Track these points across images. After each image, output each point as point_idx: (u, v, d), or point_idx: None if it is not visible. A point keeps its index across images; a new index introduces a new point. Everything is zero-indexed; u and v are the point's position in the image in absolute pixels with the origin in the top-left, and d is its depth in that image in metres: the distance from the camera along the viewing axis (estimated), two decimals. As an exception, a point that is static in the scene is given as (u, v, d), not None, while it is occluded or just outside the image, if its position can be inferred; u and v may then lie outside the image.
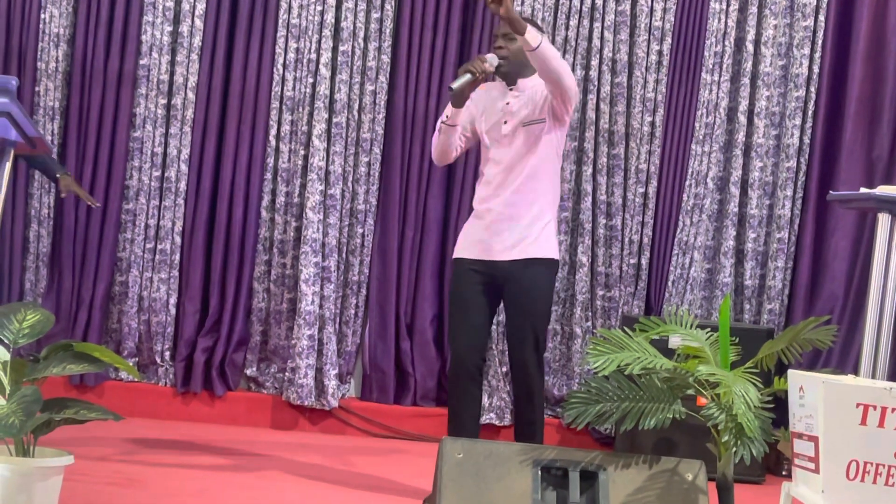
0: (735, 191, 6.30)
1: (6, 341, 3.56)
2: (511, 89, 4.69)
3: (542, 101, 4.60)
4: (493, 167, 4.65)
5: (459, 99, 4.57)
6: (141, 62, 6.13)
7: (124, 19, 6.12)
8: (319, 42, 6.18)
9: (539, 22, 6.20)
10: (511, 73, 4.66)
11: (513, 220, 4.60)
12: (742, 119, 6.29)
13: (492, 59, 4.59)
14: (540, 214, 4.62)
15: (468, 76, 4.50)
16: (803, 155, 6.31)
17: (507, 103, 4.66)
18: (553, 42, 6.22)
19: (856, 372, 4.67)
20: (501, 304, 4.75)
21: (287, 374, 6.14)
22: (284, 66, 6.19)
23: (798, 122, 6.28)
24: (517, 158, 4.60)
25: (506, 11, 4.29)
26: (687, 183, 6.27)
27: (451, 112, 4.61)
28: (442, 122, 4.63)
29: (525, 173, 4.59)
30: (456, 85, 4.49)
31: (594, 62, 6.22)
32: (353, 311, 6.29)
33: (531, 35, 4.37)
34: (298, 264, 6.14)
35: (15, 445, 3.52)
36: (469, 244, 4.71)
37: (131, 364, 6.02)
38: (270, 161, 6.22)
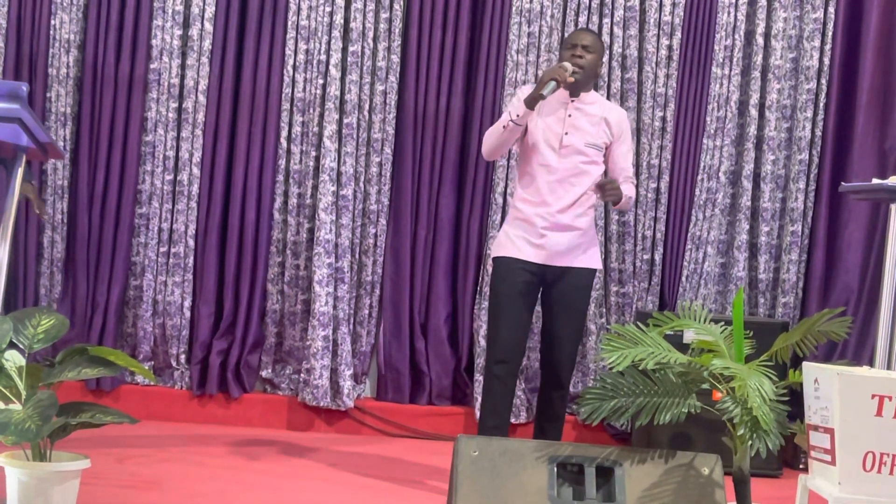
0: (747, 184, 6.29)
1: (21, 346, 3.57)
2: (573, 100, 4.83)
3: (605, 133, 4.81)
4: (545, 173, 4.77)
5: (535, 103, 4.69)
6: (151, 66, 6.14)
7: (134, 24, 6.14)
8: (329, 43, 6.19)
9: (548, 19, 6.20)
10: (578, 84, 4.79)
11: (566, 229, 4.76)
12: (753, 112, 6.28)
13: (567, 67, 4.70)
14: (590, 225, 4.84)
15: (553, 84, 4.64)
16: (815, 147, 6.29)
17: (570, 115, 4.80)
18: (562, 39, 6.23)
19: (871, 363, 4.66)
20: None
21: (302, 375, 6.15)
22: (294, 67, 6.20)
23: (809, 114, 6.27)
24: (573, 172, 4.76)
25: (616, 197, 4.77)
26: (699, 177, 6.26)
27: (523, 112, 4.71)
28: (511, 121, 4.73)
29: (576, 186, 4.76)
30: (546, 91, 4.63)
31: (604, 58, 6.21)
32: (366, 312, 6.29)
33: (625, 201, 4.82)
34: (312, 265, 6.15)
35: (32, 450, 3.53)
36: (517, 245, 4.81)
37: (147, 367, 6.04)
38: (282, 163, 6.23)
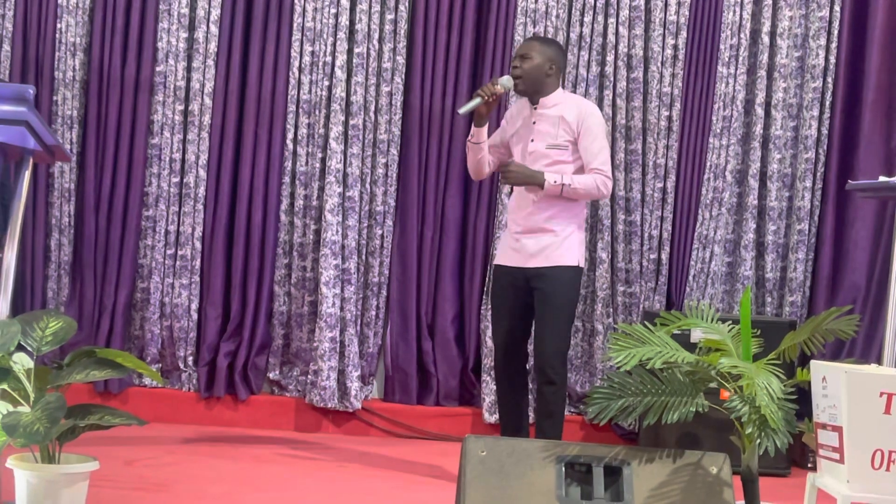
0: (754, 183, 6.28)
1: (30, 348, 3.57)
2: (535, 108, 5.03)
3: (565, 131, 4.95)
4: None
5: (477, 119, 4.94)
6: (157, 69, 6.15)
7: (140, 27, 6.14)
8: (334, 44, 6.19)
9: (554, 19, 6.20)
10: (529, 91, 5.00)
11: (534, 231, 4.96)
12: (759, 111, 6.27)
13: (505, 81, 4.94)
14: (561, 226, 4.95)
15: (477, 100, 4.88)
16: (822, 146, 6.28)
17: (534, 122, 5.01)
18: (567, 39, 6.22)
19: (879, 361, 4.65)
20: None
21: (310, 376, 6.15)
22: (300, 69, 6.20)
23: (816, 112, 6.26)
24: None
25: (515, 181, 4.91)
26: (705, 177, 6.26)
27: (474, 131, 5.00)
28: (468, 141, 5.03)
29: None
30: (462, 110, 4.91)
31: (609, 58, 6.21)
32: (373, 313, 6.30)
33: (550, 186, 4.85)
34: (318, 267, 6.15)
35: (41, 452, 3.54)
36: (503, 251, 5.11)
37: (154, 370, 6.04)
38: (288, 164, 6.24)
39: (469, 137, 5.03)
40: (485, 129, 4.99)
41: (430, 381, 6.28)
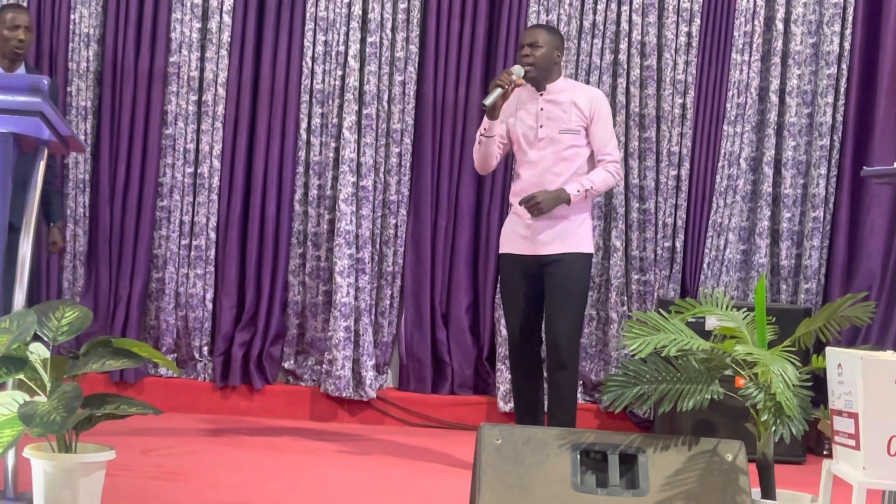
0: (768, 171, 6.27)
1: (46, 339, 3.58)
2: (541, 94, 5.02)
3: (577, 116, 4.96)
4: (529, 168, 4.99)
5: (493, 112, 4.89)
6: (171, 59, 6.16)
7: (153, 17, 6.15)
8: (347, 34, 6.19)
9: (567, 7, 6.19)
10: (538, 78, 4.99)
11: (550, 218, 4.92)
12: (774, 98, 6.25)
13: (518, 70, 4.91)
14: (575, 212, 4.96)
15: (499, 90, 4.84)
16: (836, 132, 6.26)
17: (541, 108, 4.99)
18: (580, 27, 6.21)
19: (895, 348, 4.64)
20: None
21: (324, 366, 6.16)
22: (313, 58, 6.20)
23: (830, 99, 6.24)
24: (553, 162, 4.96)
25: (548, 209, 4.86)
26: (720, 164, 6.24)
27: (488, 124, 4.95)
28: (481, 135, 4.99)
29: (560, 176, 4.94)
30: (489, 101, 4.84)
31: (623, 45, 6.20)
32: (388, 302, 6.30)
33: (576, 197, 4.89)
34: (333, 256, 6.16)
35: (57, 442, 3.55)
36: (512, 240, 5.07)
37: (170, 359, 6.05)
38: (302, 154, 6.24)
39: (483, 131, 4.96)
40: (498, 121, 4.95)
41: (445, 370, 6.29)
